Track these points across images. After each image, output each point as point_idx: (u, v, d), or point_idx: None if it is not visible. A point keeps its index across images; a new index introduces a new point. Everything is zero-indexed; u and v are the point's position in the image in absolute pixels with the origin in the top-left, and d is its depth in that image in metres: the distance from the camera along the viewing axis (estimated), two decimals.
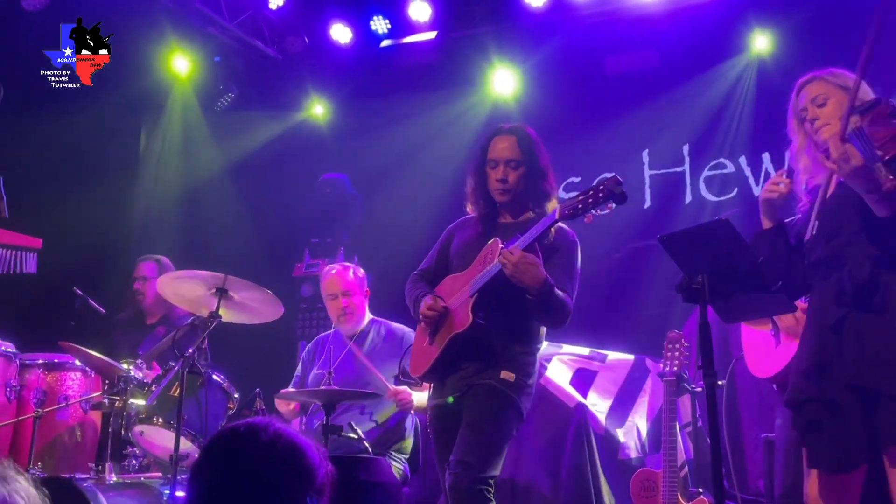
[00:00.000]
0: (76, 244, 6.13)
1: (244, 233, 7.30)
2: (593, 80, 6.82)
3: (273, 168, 7.42)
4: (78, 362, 4.74)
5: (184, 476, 3.72)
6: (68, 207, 6.30)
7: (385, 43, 7.05)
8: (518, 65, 6.82)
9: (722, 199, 6.23)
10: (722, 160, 6.28)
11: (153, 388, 4.20)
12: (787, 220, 3.11)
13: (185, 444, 4.13)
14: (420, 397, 4.57)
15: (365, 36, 6.98)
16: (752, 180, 6.14)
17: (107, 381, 4.43)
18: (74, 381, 4.79)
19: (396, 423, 4.76)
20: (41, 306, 5.81)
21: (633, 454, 4.85)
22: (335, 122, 7.53)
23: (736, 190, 6.20)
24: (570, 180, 6.54)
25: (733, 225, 2.77)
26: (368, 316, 5.03)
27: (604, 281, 6.10)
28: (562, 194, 5.34)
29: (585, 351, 5.20)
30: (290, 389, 4.90)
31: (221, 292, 4.24)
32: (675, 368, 4.26)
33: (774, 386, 3.75)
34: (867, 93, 2.94)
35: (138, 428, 4.32)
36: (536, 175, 3.68)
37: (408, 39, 7.01)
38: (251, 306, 4.42)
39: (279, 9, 6.84)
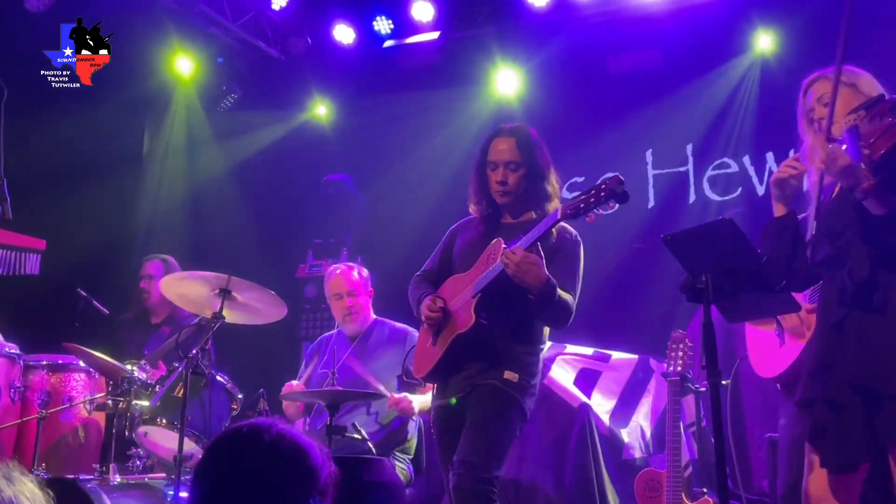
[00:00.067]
0: (80, 245, 6.14)
1: (247, 233, 7.29)
2: (596, 80, 6.81)
3: (276, 169, 7.42)
4: (82, 363, 4.74)
5: (187, 477, 3.72)
6: (72, 209, 6.31)
7: (388, 43, 7.05)
8: (521, 65, 6.81)
9: (726, 198, 6.21)
10: (725, 160, 6.27)
11: (157, 388, 4.21)
12: (800, 216, 3.08)
13: (189, 445, 4.13)
14: (421, 400, 4.56)
15: (368, 36, 6.97)
16: (755, 180, 6.13)
17: (111, 383, 4.42)
18: (78, 383, 4.80)
19: (400, 425, 4.74)
20: (45, 307, 5.80)
21: (637, 454, 4.84)
22: (338, 123, 7.52)
23: (740, 189, 6.19)
24: (573, 180, 6.53)
25: (737, 224, 2.77)
26: (372, 316, 5.03)
27: (607, 281, 6.09)
28: (565, 194, 5.33)
29: (589, 351, 5.20)
30: (297, 382, 4.87)
31: (225, 293, 4.22)
32: (679, 368, 4.25)
33: (778, 385, 3.75)
34: (873, 88, 2.94)
35: (142, 429, 4.32)
36: (537, 176, 3.67)
37: (411, 40, 7.00)
38: (255, 307, 4.41)
39: (282, 9, 6.83)
